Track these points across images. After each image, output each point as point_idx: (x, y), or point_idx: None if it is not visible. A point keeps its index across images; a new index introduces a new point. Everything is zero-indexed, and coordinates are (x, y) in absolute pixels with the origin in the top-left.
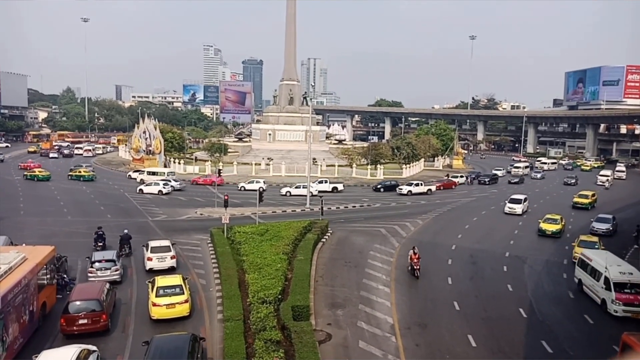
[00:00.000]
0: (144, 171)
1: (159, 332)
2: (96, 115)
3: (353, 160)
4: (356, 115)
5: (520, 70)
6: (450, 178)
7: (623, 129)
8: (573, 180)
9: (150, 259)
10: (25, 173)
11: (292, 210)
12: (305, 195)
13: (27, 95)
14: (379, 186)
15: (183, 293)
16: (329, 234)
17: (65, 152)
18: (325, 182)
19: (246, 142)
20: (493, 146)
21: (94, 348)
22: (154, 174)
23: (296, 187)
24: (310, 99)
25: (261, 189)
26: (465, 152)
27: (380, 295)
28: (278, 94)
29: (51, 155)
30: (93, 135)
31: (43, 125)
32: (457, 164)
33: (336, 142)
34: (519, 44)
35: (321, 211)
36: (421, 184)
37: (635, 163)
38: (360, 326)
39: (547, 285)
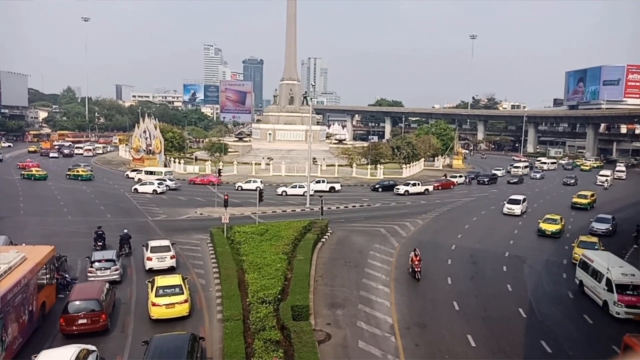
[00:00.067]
0: (141, 170)
1: (158, 332)
2: (96, 114)
3: (353, 160)
4: (356, 115)
5: (521, 70)
6: (448, 178)
7: (623, 129)
8: (572, 181)
9: (150, 259)
10: (23, 172)
11: (292, 210)
12: (301, 195)
13: (28, 94)
14: (377, 186)
15: (183, 293)
16: (329, 234)
17: (66, 151)
18: (323, 181)
19: (246, 141)
20: (493, 146)
21: (94, 348)
22: (151, 173)
23: (292, 187)
24: (311, 99)
25: (258, 189)
26: (466, 151)
27: (379, 295)
28: (278, 93)
29: (51, 154)
30: (93, 135)
31: (43, 124)
32: (457, 164)
33: (336, 141)
34: (519, 44)
35: (321, 211)
36: (418, 184)
37: (635, 163)
38: (359, 326)
39: (547, 285)
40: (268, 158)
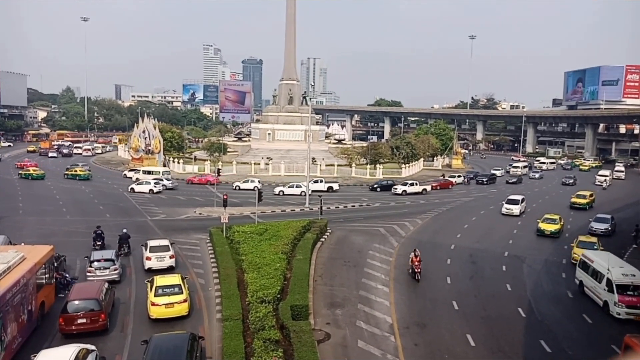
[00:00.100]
0: (139, 170)
1: (157, 331)
2: (96, 114)
3: (352, 159)
4: (355, 115)
5: (520, 70)
6: (446, 178)
7: (622, 129)
8: (571, 181)
9: (149, 259)
10: (20, 172)
11: (291, 210)
12: (298, 195)
13: (27, 94)
14: (375, 186)
15: (182, 292)
16: (328, 234)
17: (65, 151)
18: (321, 181)
19: (245, 141)
20: (492, 146)
21: (93, 347)
22: (149, 173)
23: (289, 187)
24: (310, 99)
25: (256, 188)
26: (466, 151)
27: (379, 295)
28: (277, 93)
29: (50, 154)
30: (92, 134)
31: (42, 124)
32: (456, 164)
33: (335, 141)
34: (519, 44)
35: (320, 211)
36: (416, 184)
37: (634, 163)
38: (359, 325)
39: (546, 284)
40: (267, 158)
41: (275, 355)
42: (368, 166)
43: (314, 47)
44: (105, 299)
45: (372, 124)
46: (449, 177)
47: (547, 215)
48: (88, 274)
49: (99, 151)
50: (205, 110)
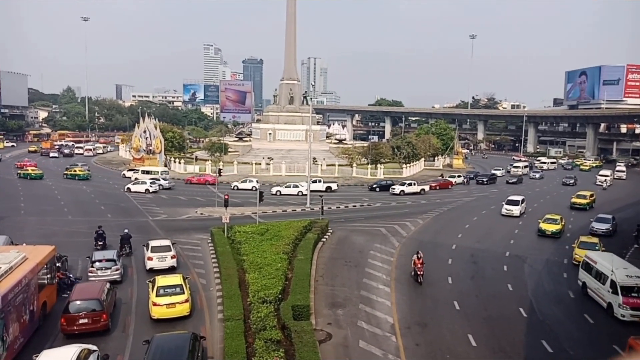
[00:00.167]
0: (138, 170)
1: (159, 331)
2: (96, 114)
3: (353, 159)
4: (356, 115)
5: (521, 70)
6: (446, 178)
7: (623, 129)
8: (572, 181)
9: (150, 259)
10: (19, 171)
11: (293, 210)
12: (295, 194)
13: (28, 94)
14: (374, 185)
15: (183, 293)
16: (329, 234)
17: (66, 151)
18: (320, 181)
19: (246, 141)
20: (493, 146)
21: (95, 348)
22: (147, 172)
23: (286, 187)
24: (311, 99)
25: (254, 188)
26: (467, 151)
27: (380, 295)
28: (278, 93)
29: (51, 154)
30: (93, 134)
31: (43, 124)
32: (457, 164)
33: (336, 141)
34: (519, 44)
35: (321, 211)
36: (414, 184)
37: (634, 162)
38: (360, 326)
39: (548, 284)
40: (268, 158)
41: (277, 355)
42: (369, 166)
43: (314, 47)
44: (106, 299)
45: (373, 124)
46: (448, 177)
47: (548, 216)
48: (90, 274)
49: (100, 151)
50: (206, 110)
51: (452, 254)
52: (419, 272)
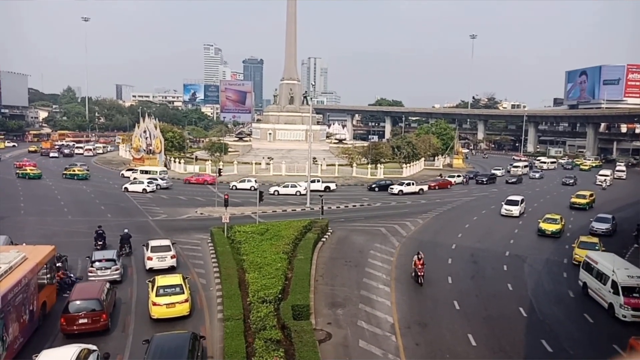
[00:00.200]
0: (137, 170)
1: (159, 331)
2: (97, 114)
3: (353, 159)
4: (356, 115)
5: (521, 70)
6: (445, 178)
7: (623, 128)
8: (572, 180)
9: (150, 259)
10: (17, 171)
11: (292, 210)
12: (293, 194)
13: (28, 94)
14: (373, 185)
15: (183, 292)
16: (329, 233)
17: (66, 151)
18: (318, 181)
19: (246, 141)
20: (493, 145)
21: (94, 347)
22: (146, 172)
23: (284, 186)
24: (311, 98)
25: (252, 188)
26: (467, 151)
27: (380, 295)
28: (278, 93)
29: (51, 154)
30: (94, 134)
31: (43, 124)
32: (457, 163)
33: (336, 141)
34: (519, 44)
35: (321, 210)
36: (412, 184)
37: (634, 162)
38: (360, 325)
39: (547, 284)
40: (268, 158)
41: (277, 355)
42: (369, 166)
43: (314, 46)
44: (106, 299)
45: (373, 124)
46: (448, 176)
47: (548, 215)
48: (89, 274)
49: (100, 151)
50: (206, 110)
51: (452, 253)
52: (419, 273)
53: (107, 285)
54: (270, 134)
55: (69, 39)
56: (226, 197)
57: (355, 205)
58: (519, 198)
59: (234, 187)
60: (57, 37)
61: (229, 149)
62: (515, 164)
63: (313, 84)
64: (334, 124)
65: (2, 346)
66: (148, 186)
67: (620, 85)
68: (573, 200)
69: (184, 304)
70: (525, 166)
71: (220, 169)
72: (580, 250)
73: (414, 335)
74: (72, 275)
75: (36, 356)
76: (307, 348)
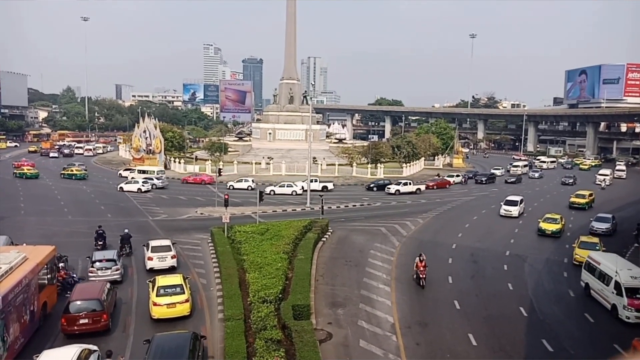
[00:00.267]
0: (135, 169)
1: (159, 331)
2: (96, 114)
3: (353, 159)
4: (356, 114)
5: (521, 69)
6: (444, 177)
7: (623, 127)
8: (571, 180)
9: (150, 259)
10: (15, 171)
11: (293, 210)
12: (289, 194)
13: (27, 94)
14: (372, 185)
15: (184, 292)
16: (329, 233)
17: (66, 151)
18: (316, 180)
19: (246, 141)
20: (493, 145)
21: (95, 348)
22: (143, 172)
23: (280, 186)
24: (311, 98)
25: (249, 187)
26: (467, 150)
27: (380, 294)
28: (278, 93)
29: (51, 154)
30: (93, 134)
31: (43, 124)
32: (457, 163)
33: (336, 141)
34: (519, 44)
35: (321, 210)
36: (409, 183)
37: (634, 162)
38: (360, 325)
39: (548, 284)
40: (268, 157)
41: (277, 355)
42: (369, 165)
43: (314, 46)
44: (107, 299)
45: (373, 123)
46: (447, 176)
47: (548, 215)
48: (90, 274)
49: (100, 151)
50: (206, 109)
51: (453, 253)
52: (421, 276)
53: (108, 285)
54: (270, 133)
55: (69, 39)
56: (226, 197)
57: (355, 205)
58: (518, 198)
59: (231, 187)
60: (57, 37)
61: (229, 149)
62: (514, 164)
63: (313, 83)
64: (333, 124)
65: (3, 346)
66: (143, 186)
67: (620, 84)
68: (572, 199)
69: (184, 304)
70: (525, 166)
71: (220, 169)
72: (581, 250)
73: (415, 334)
74: (74, 275)
75: (37, 356)
76: (307, 348)
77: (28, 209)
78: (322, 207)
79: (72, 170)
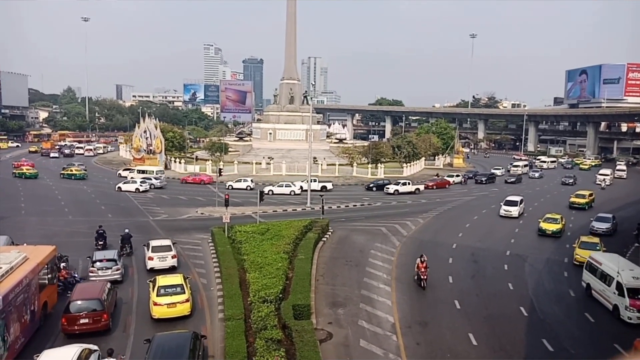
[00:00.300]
0: (134, 169)
1: (160, 331)
2: (97, 114)
3: (354, 159)
4: (357, 114)
5: (521, 69)
6: (443, 177)
7: (624, 127)
8: (571, 180)
9: (151, 259)
10: (14, 171)
11: (293, 209)
12: (287, 194)
13: (28, 95)
14: (371, 185)
15: (184, 292)
16: (330, 233)
17: (66, 151)
18: (315, 180)
19: (247, 141)
20: (494, 145)
21: (95, 347)
22: (143, 172)
23: (278, 186)
24: (311, 98)
25: (248, 187)
26: (467, 150)
27: (381, 294)
28: (278, 93)
29: (52, 155)
30: (94, 135)
31: (44, 125)
32: (457, 163)
33: (337, 141)
34: (519, 44)
35: (322, 210)
36: (408, 183)
37: (634, 161)
38: (361, 325)
39: (548, 283)
40: (269, 157)
41: (278, 354)
42: (369, 165)
43: (314, 46)
44: (107, 299)
45: (373, 123)
46: (446, 176)
47: (548, 215)
48: (90, 274)
49: (101, 151)
50: (206, 110)
51: (453, 253)
52: (422, 277)
53: (108, 285)
54: (270, 133)
55: (69, 39)
56: (227, 197)
57: (355, 205)
58: (518, 198)
59: (230, 187)
60: (57, 37)
61: (230, 149)
62: (515, 164)
63: (313, 83)
64: (334, 124)
65: (3, 346)
66: (141, 185)
67: (620, 84)
68: (572, 199)
69: (184, 303)
70: (525, 165)
71: (220, 169)
72: (581, 250)
73: (415, 334)
74: (76, 275)
75: (37, 356)
76: (308, 348)
77: (28, 209)
78: (323, 207)
79: (71, 170)
